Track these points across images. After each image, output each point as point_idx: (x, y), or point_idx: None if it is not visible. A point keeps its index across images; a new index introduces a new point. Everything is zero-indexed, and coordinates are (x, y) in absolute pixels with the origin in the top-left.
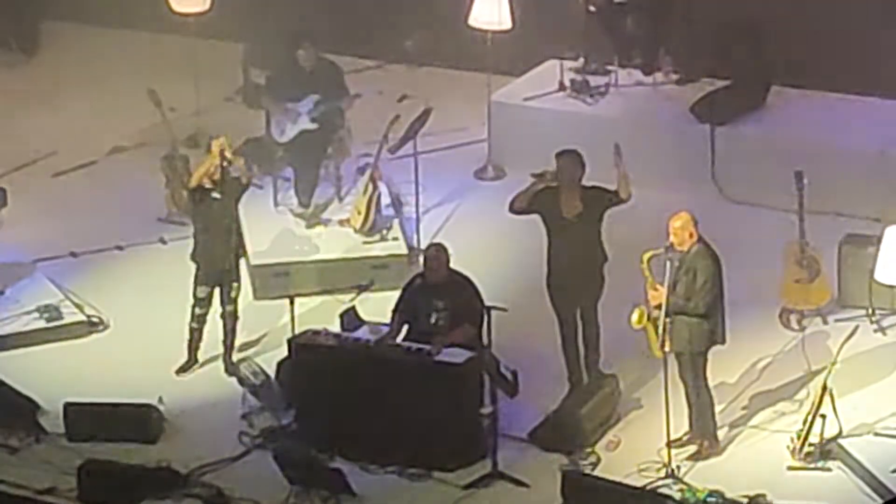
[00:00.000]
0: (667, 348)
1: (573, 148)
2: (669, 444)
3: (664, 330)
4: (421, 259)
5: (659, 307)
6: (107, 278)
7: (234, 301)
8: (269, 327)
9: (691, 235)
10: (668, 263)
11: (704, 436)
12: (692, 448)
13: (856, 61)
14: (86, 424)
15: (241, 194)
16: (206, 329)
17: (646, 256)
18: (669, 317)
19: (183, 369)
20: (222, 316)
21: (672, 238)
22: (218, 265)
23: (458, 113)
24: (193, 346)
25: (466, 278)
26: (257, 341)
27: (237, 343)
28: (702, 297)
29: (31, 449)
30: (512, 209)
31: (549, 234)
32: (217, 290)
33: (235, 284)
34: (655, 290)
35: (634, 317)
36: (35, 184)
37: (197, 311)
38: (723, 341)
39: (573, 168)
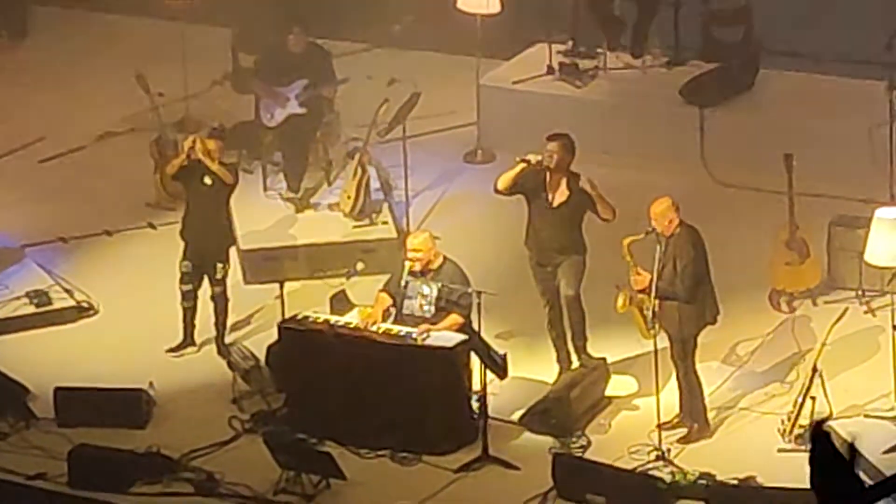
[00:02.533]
0: (654, 331)
1: (564, 132)
2: (660, 427)
3: (653, 314)
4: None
5: (642, 291)
6: (96, 263)
7: (222, 283)
8: (259, 311)
9: (671, 221)
10: (657, 248)
11: (695, 418)
12: (682, 431)
13: (843, 42)
14: (76, 409)
15: (231, 189)
16: (198, 309)
17: (626, 242)
18: (658, 300)
19: (175, 349)
20: (212, 298)
21: (654, 223)
22: (202, 246)
23: (446, 97)
24: (188, 325)
25: (456, 265)
26: (247, 324)
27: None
28: (684, 280)
29: (22, 434)
30: (496, 189)
31: (530, 216)
32: (204, 271)
33: (220, 266)
34: (638, 274)
35: (619, 301)
36: (24, 169)
37: (183, 288)
38: (713, 322)
39: (563, 153)
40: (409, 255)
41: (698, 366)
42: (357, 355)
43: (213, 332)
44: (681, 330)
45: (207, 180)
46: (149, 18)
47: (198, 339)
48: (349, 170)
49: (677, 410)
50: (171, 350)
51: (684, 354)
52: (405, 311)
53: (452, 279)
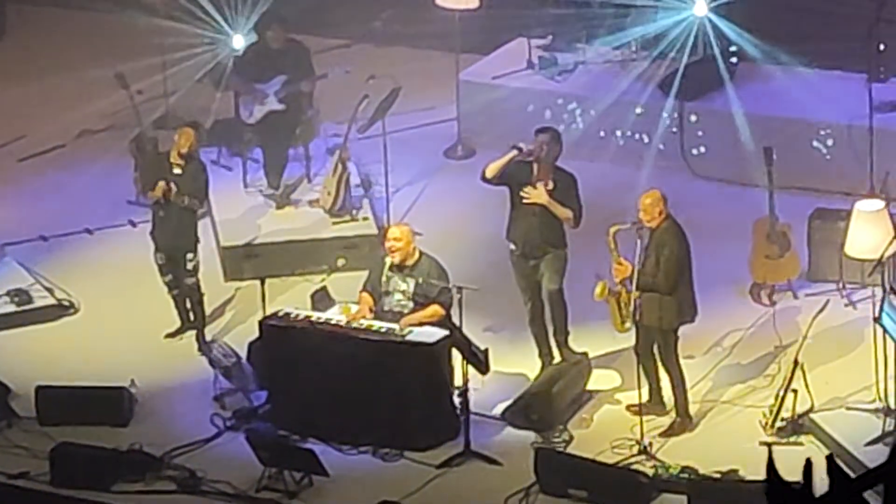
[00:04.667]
0: (628, 324)
1: (553, 126)
2: (641, 420)
3: (636, 305)
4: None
5: (622, 282)
6: (77, 261)
7: (193, 274)
8: (240, 308)
9: (661, 213)
10: (638, 242)
11: (677, 412)
12: (664, 421)
13: (823, 35)
14: (58, 408)
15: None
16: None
17: (612, 230)
18: (638, 292)
19: (173, 335)
20: (186, 290)
21: (641, 214)
22: (171, 240)
23: (426, 92)
24: (180, 312)
25: (433, 260)
26: (227, 321)
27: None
28: (667, 273)
29: (3, 433)
30: (484, 178)
31: (514, 208)
32: (175, 262)
33: (191, 256)
34: (620, 264)
35: (597, 290)
36: (3, 168)
37: (164, 279)
38: (692, 320)
39: (553, 144)
40: (388, 244)
41: (681, 359)
42: (338, 352)
43: (193, 329)
44: (661, 323)
45: (177, 170)
46: (127, 15)
47: (179, 337)
48: (329, 166)
49: (647, 398)
50: (170, 335)
51: (665, 349)
52: (385, 308)
53: (430, 274)
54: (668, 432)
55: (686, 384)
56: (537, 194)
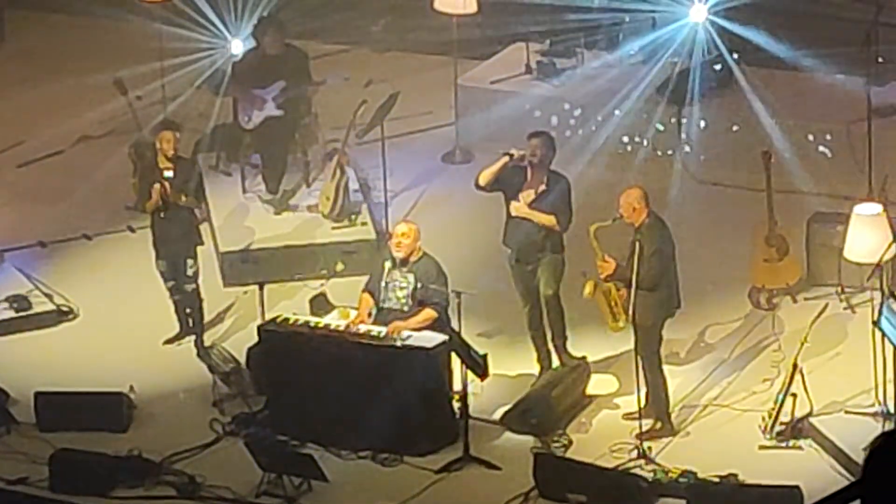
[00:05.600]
0: (622, 323)
1: (545, 130)
2: (641, 424)
3: (633, 303)
4: (389, 237)
5: (607, 279)
6: (76, 267)
7: (193, 280)
8: (239, 313)
9: (635, 210)
10: (637, 244)
11: (658, 416)
12: (647, 424)
13: (822, 39)
14: (56, 414)
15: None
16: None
17: (592, 228)
18: (630, 289)
19: (171, 340)
20: (186, 297)
21: (621, 211)
22: (173, 246)
23: (425, 97)
24: (180, 317)
25: (433, 260)
26: (226, 326)
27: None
28: (650, 268)
29: (2, 439)
30: (478, 185)
31: (509, 213)
32: (176, 268)
33: (191, 262)
34: (605, 261)
35: (586, 289)
36: (2, 174)
37: (167, 284)
38: (677, 306)
39: (545, 149)
40: (396, 240)
41: (666, 366)
42: (337, 357)
43: (192, 335)
44: (647, 319)
45: (168, 173)
46: (126, 21)
47: (178, 342)
48: (328, 171)
49: (645, 402)
50: (169, 341)
51: (649, 347)
52: (385, 306)
53: (428, 272)
54: (648, 435)
55: (668, 387)
56: (516, 207)
